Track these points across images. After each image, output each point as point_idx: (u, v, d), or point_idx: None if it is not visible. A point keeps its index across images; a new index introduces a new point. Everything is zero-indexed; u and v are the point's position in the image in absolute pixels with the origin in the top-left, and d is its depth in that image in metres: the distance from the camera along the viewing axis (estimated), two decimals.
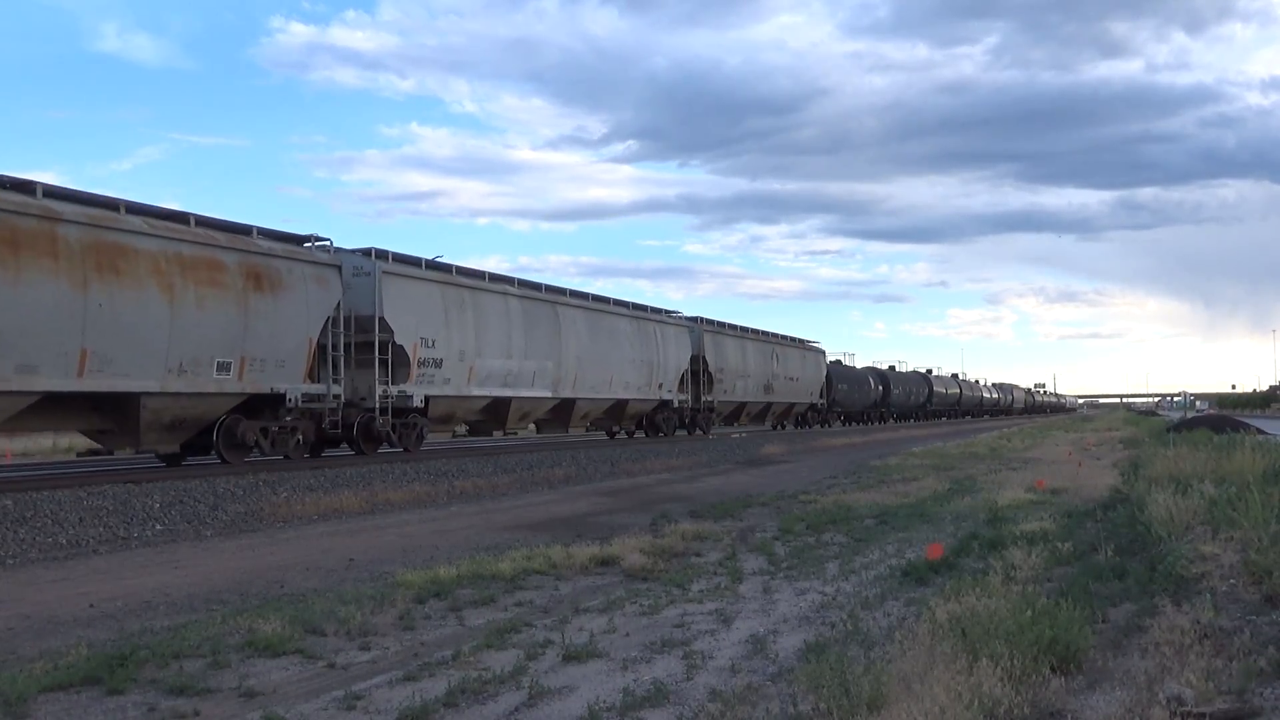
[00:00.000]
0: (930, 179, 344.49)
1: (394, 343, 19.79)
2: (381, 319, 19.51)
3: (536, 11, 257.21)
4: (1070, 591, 7.01)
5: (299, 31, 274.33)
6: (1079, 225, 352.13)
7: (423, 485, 17.52)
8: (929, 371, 78.83)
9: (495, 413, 24.05)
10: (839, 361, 56.98)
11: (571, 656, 6.32)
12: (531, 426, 27.93)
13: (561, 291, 27.22)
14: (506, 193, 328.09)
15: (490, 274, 24.24)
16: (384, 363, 19.61)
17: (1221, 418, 38.81)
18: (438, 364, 21.05)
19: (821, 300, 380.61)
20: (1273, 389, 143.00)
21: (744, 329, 40.06)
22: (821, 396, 49.39)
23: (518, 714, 5.26)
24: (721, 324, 37.67)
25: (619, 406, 29.83)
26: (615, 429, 32.52)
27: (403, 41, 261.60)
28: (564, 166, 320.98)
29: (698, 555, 10.64)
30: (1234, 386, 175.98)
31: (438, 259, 22.36)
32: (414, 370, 20.34)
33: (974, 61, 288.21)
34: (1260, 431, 27.35)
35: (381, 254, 20.37)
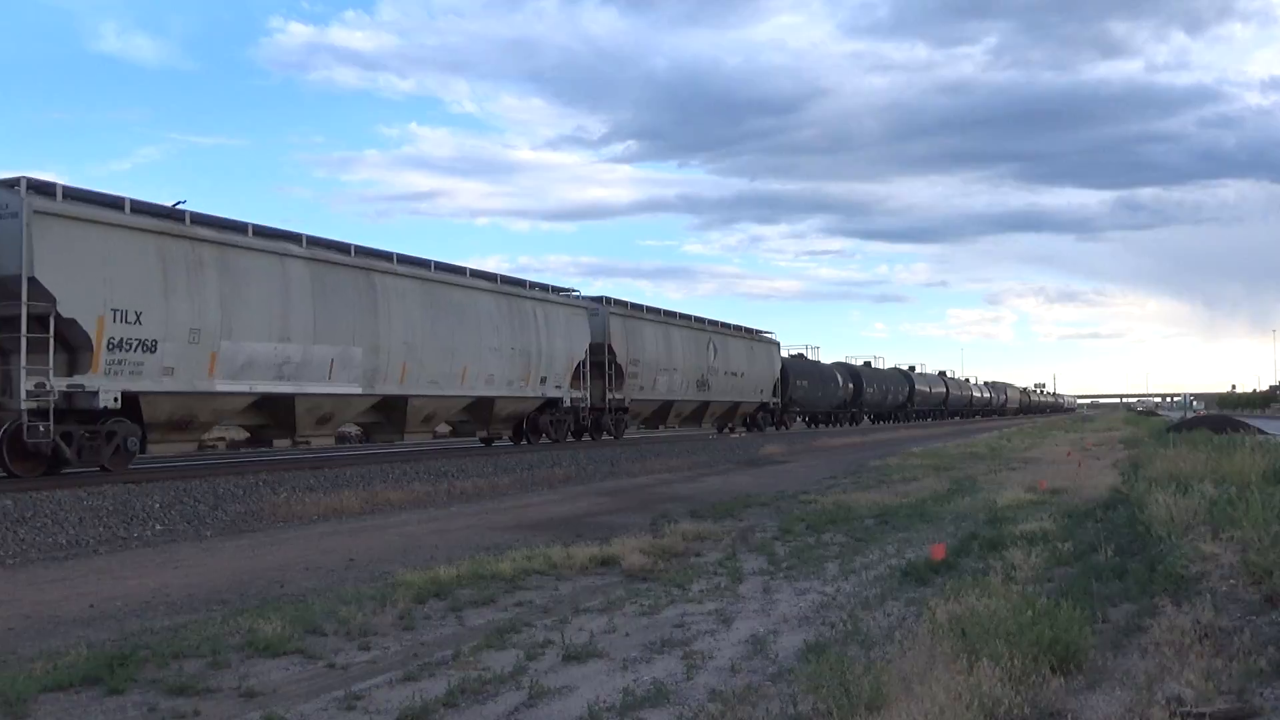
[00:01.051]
0: (930, 179, 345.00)
1: (58, 315, 14.01)
2: (34, 280, 13.73)
3: (536, 11, 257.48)
4: (1070, 592, 7.01)
5: (298, 31, 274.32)
6: (1079, 225, 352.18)
7: (423, 485, 17.53)
8: (911, 369, 72.68)
9: (274, 414, 18.28)
10: (801, 355, 50.74)
11: (571, 656, 6.32)
12: (354, 430, 22.41)
13: (385, 256, 20.95)
14: (506, 193, 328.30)
15: (256, 227, 17.77)
16: (40, 344, 13.81)
17: (1221, 418, 38.81)
18: (148, 347, 15.17)
19: (821, 300, 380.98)
20: (1273, 389, 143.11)
21: (669, 314, 34.02)
22: (775, 395, 43.06)
23: (518, 714, 5.26)
24: (637, 306, 31.92)
25: (482, 406, 23.68)
26: (484, 434, 25.24)
27: (402, 41, 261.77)
28: (564, 166, 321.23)
29: (698, 555, 10.64)
30: (1234, 386, 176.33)
31: (178, 205, 16.38)
32: (99, 356, 14.50)
33: (974, 62, 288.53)
34: (1260, 431, 27.35)
35: (41, 187, 14.32)
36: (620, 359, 29.34)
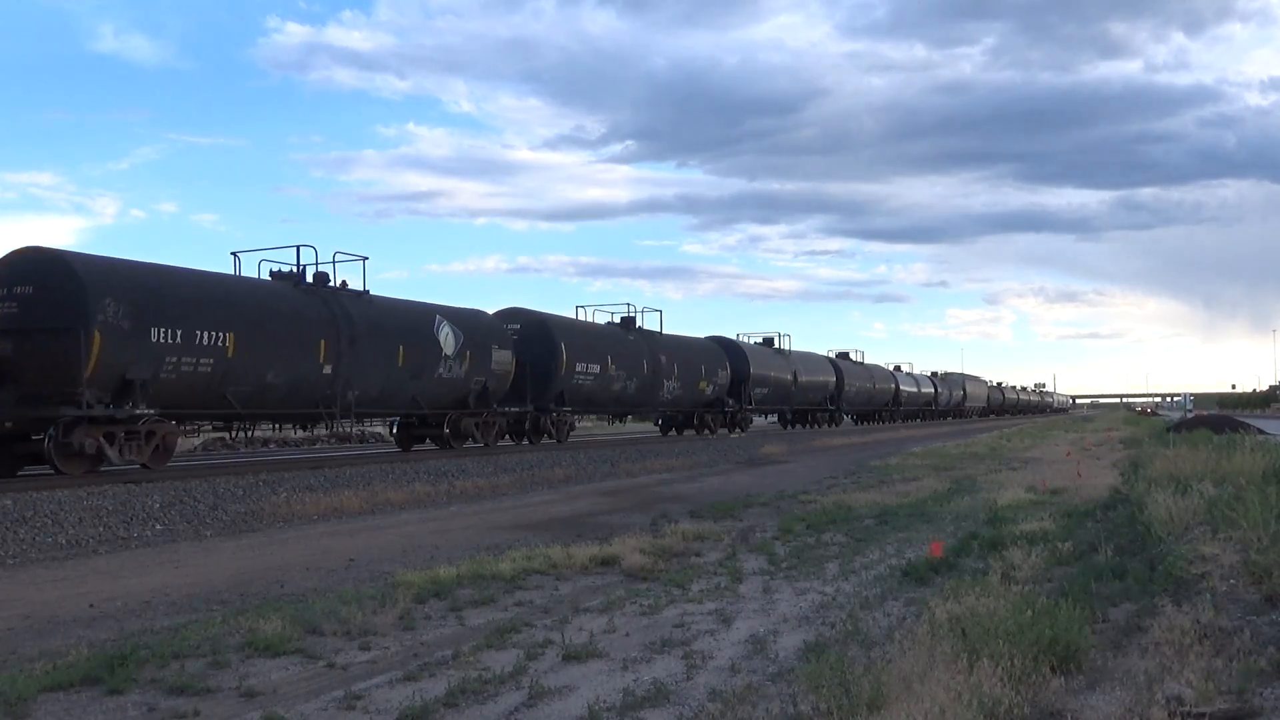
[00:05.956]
0: (929, 179, 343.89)
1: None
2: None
3: (534, 12, 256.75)
4: (1070, 591, 7.01)
5: (295, 31, 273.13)
6: (1079, 225, 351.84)
7: (423, 485, 17.53)
8: (768, 342, 44.31)
9: None
10: (365, 293, 20.92)
11: (571, 656, 6.32)
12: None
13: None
14: (505, 193, 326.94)
15: None
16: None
17: (1221, 418, 38.80)
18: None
19: (821, 300, 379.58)
20: (1273, 389, 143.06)
21: None
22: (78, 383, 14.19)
23: (518, 714, 5.26)
24: None
25: None
26: None
27: (400, 41, 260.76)
28: (562, 167, 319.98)
29: (698, 555, 10.64)
30: (1234, 386, 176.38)
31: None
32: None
33: (972, 62, 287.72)
34: (1260, 431, 27.35)
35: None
36: None
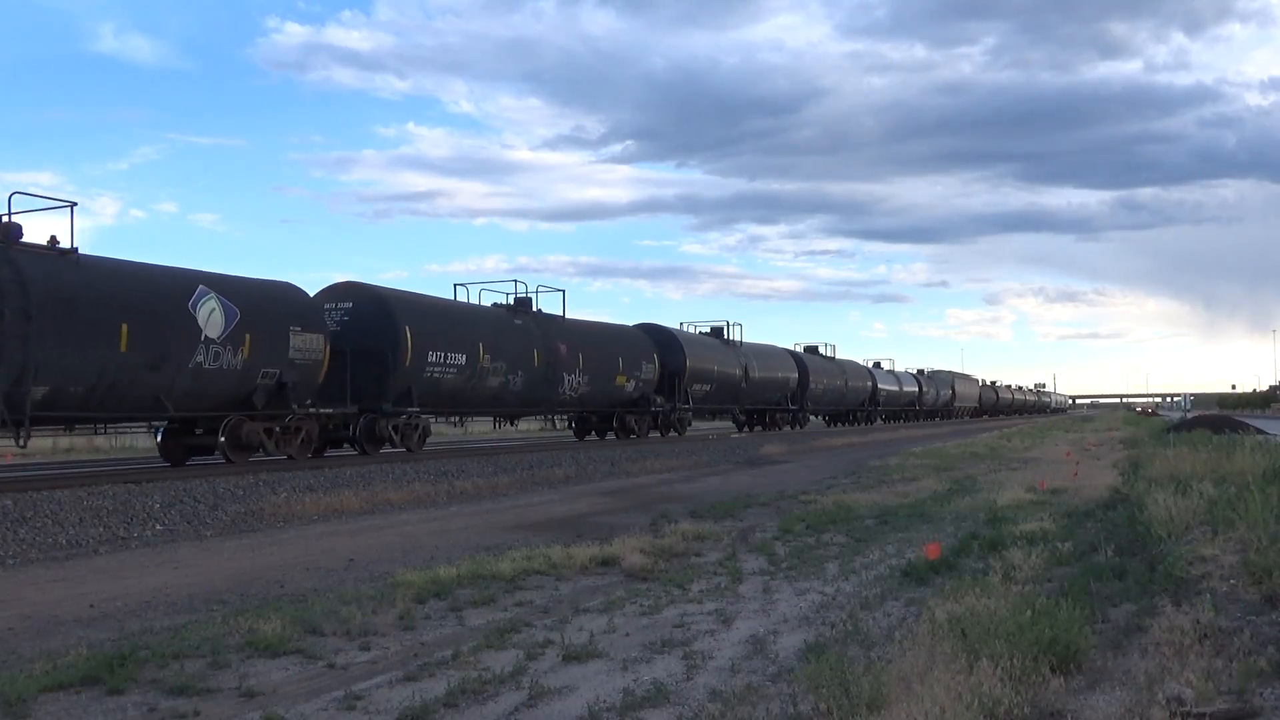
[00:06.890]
0: (930, 179, 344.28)
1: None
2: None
3: (534, 12, 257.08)
4: (1070, 591, 7.02)
5: (295, 31, 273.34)
6: (1079, 225, 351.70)
7: (423, 485, 17.53)
8: (717, 332, 39.51)
9: None
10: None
11: (571, 656, 6.32)
12: None
13: None
14: (504, 193, 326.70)
15: None
16: None
17: (1221, 418, 38.82)
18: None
19: (820, 300, 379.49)
20: (1273, 389, 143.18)
21: None
22: None
23: (518, 714, 5.26)
24: None
25: None
26: None
27: (399, 41, 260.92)
28: (562, 167, 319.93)
29: (698, 555, 10.64)
30: (1234, 386, 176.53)
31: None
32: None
33: (972, 62, 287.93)
34: (1260, 431, 27.36)
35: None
36: None
